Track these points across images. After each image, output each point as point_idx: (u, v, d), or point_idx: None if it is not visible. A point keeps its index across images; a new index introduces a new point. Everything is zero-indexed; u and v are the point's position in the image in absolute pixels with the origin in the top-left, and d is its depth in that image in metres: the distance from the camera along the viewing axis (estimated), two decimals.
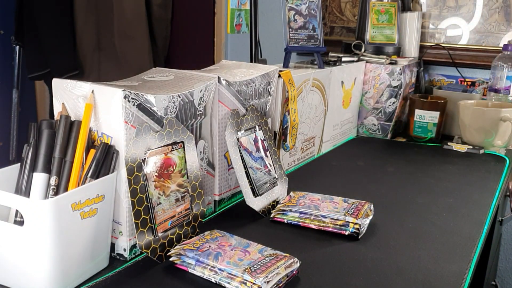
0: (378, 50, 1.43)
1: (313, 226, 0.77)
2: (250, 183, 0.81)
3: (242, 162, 0.81)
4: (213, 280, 0.60)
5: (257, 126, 0.86)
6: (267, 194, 0.84)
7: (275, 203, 0.85)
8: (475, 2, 1.55)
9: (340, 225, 0.76)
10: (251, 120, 0.85)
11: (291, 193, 0.86)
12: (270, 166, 0.87)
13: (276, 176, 0.88)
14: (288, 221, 0.79)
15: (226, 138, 0.79)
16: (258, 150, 0.85)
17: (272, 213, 0.81)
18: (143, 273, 0.63)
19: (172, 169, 0.67)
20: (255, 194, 0.81)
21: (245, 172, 0.81)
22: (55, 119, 0.64)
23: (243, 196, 0.89)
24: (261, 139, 0.87)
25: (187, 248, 0.63)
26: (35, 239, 0.54)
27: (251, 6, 1.40)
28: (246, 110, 0.84)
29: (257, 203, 0.81)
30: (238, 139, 0.81)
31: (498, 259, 1.56)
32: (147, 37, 2.03)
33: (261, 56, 1.51)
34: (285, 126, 1.00)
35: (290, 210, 0.80)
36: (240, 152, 0.81)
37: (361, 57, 1.38)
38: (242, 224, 0.79)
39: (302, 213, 0.79)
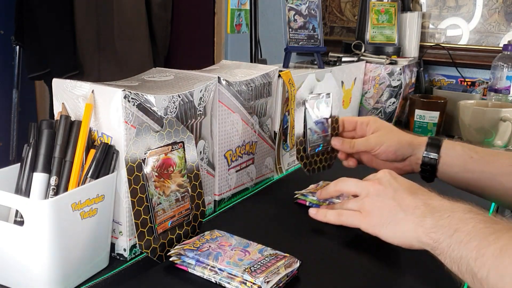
0: (378, 50, 1.43)
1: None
2: (304, 142, 0.87)
3: (304, 121, 0.86)
4: (213, 280, 0.60)
5: (326, 95, 0.91)
6: (316, 155, 0.90)
7: (324, 166, 0.92)
8: (475, 2, 1.55)
9: None
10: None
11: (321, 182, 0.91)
12: (328, 134, 0.92)
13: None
14: (310, 204, 0.84)
15: (297, 95, 0.85)
16: (322, 115, 0.90)
17: (296, 195, 0.87)
18: (143, 273, 0.63)
19: (172, 169, 0.67)
20: (303, 151, 0.88)
21: (304, 131, 0.87)
22: (55, 119, 0.64)
23: (243, 196, 0.89)
24: (329, 106, 0.92)
25: (187, 248, 0.63)
26: (35, 239, 0.54)
27: (251, 6, 1.40)
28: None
29: (304, 162, 0.87)
30: (306, 100, 0.87)
31: None
32: (147, 37, 2.03)
33: (261, 56, 1.51)
34: (285, 126, 1.00)
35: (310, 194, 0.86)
36: (304, 111, 0.86)
37: (361, 57, 1.38)
38: (242, 224, 0.79)
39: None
